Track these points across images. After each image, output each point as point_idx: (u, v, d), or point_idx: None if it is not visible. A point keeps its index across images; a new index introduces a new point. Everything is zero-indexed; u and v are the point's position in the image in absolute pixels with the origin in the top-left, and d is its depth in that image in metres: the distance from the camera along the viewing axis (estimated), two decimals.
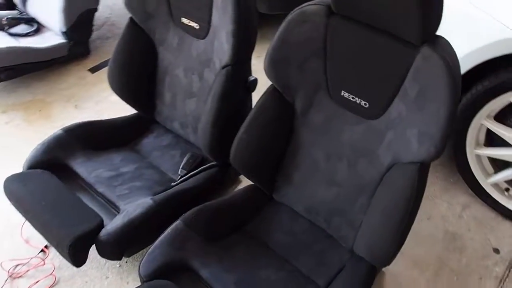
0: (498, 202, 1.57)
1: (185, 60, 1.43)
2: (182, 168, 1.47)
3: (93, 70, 2.30)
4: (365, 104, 1.08)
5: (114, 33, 2.63)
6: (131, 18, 1.47)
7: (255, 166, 1.28)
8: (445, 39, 0.95)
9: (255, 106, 1.21)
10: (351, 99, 1.10)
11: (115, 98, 1.60)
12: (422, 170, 1.00)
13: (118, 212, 1.28)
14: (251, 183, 1.35)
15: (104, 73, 2.34)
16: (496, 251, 1.45)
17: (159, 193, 1.35)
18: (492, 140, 1.53)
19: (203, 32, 1.34)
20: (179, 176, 1.44)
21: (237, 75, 1.29)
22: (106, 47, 2.49)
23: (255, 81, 1.37)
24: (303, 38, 1.09)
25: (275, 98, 1.20)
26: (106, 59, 2.38)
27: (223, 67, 1.28)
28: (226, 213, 1.28)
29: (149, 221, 1.23)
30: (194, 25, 1.36)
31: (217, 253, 1.18)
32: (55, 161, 1.41)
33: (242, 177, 1.70)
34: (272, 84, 1.20)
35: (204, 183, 1.42)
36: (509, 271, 1.39)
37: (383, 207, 1.04)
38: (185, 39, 1.41)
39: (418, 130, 0.98)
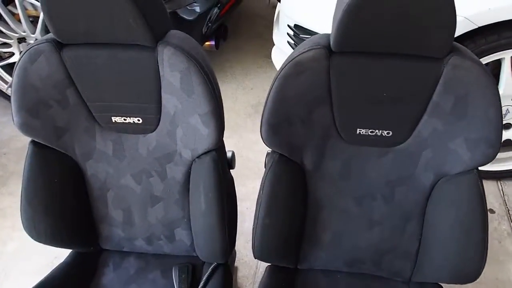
0: None
1: (133, 164, 1.13)
2: None
3: None
4: (387, 133, 0.99)
5: None
6: (34, 142, 1.08)
7: (284, 248, 1.09)
8: (457, 43, 0.91)
9: (266, 184, 1.01)
10: (370, 134, 1.00)
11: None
12: (479, 175, 0.96)
13: None
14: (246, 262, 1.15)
15: None
16: (491, 211, 1.55)
17: None
18: None
19: (152, 125, 1.07)
20: None
21: (222, 157, 1.06)
22: None
23: (233, 156, 1.16)
24: (303, 90, 0.94)
25: (284, 166, 1.02)
26: None
27: (201, 155, 1.03)
28: None
29: None
30: (134, 120, 1.07)
31: None
32: None
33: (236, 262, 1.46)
34: (273, 151, 1.02)
35: None
36: None
37: (458, 223, 0.97)
38: (124, 141, 1.11)
39: (465, 139, 0.94)
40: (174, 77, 0.96)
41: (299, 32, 1.76)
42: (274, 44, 2.17)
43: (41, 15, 2.05)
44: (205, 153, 1.03)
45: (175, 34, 0.99)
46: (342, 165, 1.05)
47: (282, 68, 0.93)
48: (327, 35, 0.94)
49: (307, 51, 0.91)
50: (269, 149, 1.14)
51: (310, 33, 1.71)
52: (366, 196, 1.07)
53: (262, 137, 1.00)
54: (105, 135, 1.10)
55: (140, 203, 1.16)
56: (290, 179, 1.03)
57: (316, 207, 1.09)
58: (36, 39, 2.09)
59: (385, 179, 1.05)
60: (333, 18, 0.91)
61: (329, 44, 0.91)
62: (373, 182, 1.06)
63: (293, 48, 1.90)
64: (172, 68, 0.95)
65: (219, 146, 1.04)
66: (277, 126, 0.98)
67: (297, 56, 0.91)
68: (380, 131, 1.00)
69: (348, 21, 0.83)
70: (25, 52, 0.99)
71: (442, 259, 1.03)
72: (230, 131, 1.95)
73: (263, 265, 1.55)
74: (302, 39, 1.77)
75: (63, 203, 1.13)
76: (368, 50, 0.89)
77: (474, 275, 1.00)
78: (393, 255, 1.11)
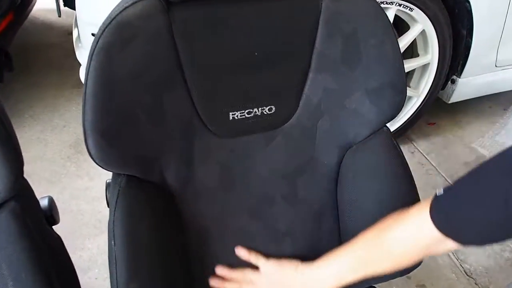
0: None
1: None
2: None
3: None
4: (269, 110, 0.75)
5: None
6: None
7: None
8: None
9: (116, 230, 0.65)
10: (247, 116, 0.74)
11: None
12: (390, 131, 0.79)
13: None
14: None
15: None
16: None
17: None
18: None
19: None
20: None
21: (31, 210, 0.66)
22: None
23: (53, 204, 0.75)
24: (141, 66, 0.63)
25: (138, 193, 0.68)
26: None
27: None
28: None
29: None
30: None
31: None
32: None
33: None
34: (116, 176, 0.67)
35: None
36: None
37: (385, 196, 0.77)
38: None
39: (366, 90, 0.75)
40: None
41: None
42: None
43: None
44: (4, 203, 0.62)
45: None
46: (220, 170, 0.76)
47: (97, 38, 0.60)
48: None
49: (131, 4, 0.60)
50: (109, 179, 0.78)
51: None
52: (263, 202, 0.80)
53: (91, 155, 0.64)
54: None
55: None
56: (152, 212, 0.68)
57: (199, 240, 0.77)
58: None
59: (281, 173, 0.80)
60: None
61: None
62: (266, 182, 0.79)
63: None
64: None
65: (21, 194, 0.64)
66: (113, 131, 0.63)
67: (117, 15, 0.59)
68: (260, 109, 0.74)
69: None
70: None
71: None
72: (47, 183, 1.47)
73: None
74: None
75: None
76: None
77: None
78: None
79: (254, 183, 0.79)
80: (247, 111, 0.74)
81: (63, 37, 2.62)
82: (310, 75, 0.74)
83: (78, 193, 1.41)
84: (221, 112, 0.72)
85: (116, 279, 0.64)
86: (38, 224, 0.67)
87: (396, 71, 0.74)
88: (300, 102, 0.76)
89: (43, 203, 0.72)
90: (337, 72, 0.74)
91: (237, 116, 0.74)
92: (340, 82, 0.75)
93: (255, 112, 0.74)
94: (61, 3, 1.88)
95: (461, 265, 1.23)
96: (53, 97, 1.98)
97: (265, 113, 0.75)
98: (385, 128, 0.78)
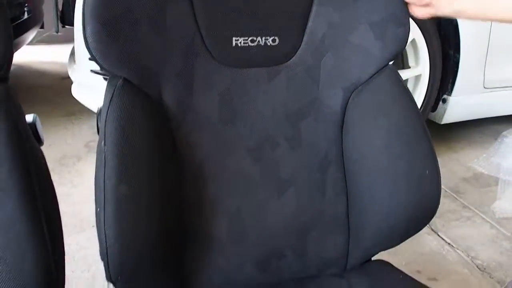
0: None
1: None
2: None
3: None
4: (273, 41, 0.74)
5: None
6: None
7: (160, 248, 0.66)
8: None
9: (109, 129, 0.61)
10: (250, 45, 0.73)
11: None
12: (394, 67, 0.78)
13: None
14: None
15: None
16: None
17: None
18: None
19: None
20: None
21: (15, 118, 0.61)
22: None
23: (37, 122, 0.70)
24: None
25: (134, 98, 0.65)
26: None
27: None
28: None
29: None
30: None
31: None
32: None
33: None
34: (112, 78, 0.64)
35: None
36: None
37: (393, 141, 0.74)
38: None
39: (369, 24, 0.76)
40: None
41: None
42: (70, 99, 1.79)
43: None
44: None
45: None
46: (220, 100, 0.73)
47: None
48: None
49: None
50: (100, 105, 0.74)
51: None
52: (264, 143, 0.76)
53: (88, 47, 0.61)
54: None
55: None
56: (147, 122, 0.64)
57: (194, 177, 0.72)
58: None
59: (284, 113, 0.77)
60: None
61: None
62: (268, 121, 0.76)
63: (100, 74, 1.56)
64: None
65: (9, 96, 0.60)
66: (113, 24, 0.61)
67: None
68: (263, 38, 0.74)
69: None
70: None
71: (387, 202, 0.76)
72: None
73: None
74: None
75: None
76: None
77: (432, 206, 0.76)
78: (319, 229, 0.79)
79: (256, 121, 0.76)
80: (250, 38, 0.73)
81: (55, 81, 2.69)
82: (314, 7, 0.75)
83: (60, 198, 1.32)
84: (224, 35, 0.71)
85: (104, 182, 0.58)
86: (24, 134, 0.62)
87: (398, 2, 0.75)
88: (304, 37, 0.76)
89: (29, 118, 0.68)
90: (340, 5, 0.75)
91: (240, 42, 0.73)
92: (343, 15, 0.76)
93: (259, 41, 0.74)
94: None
95: (472, 261, 1.15)
96: (41, 122, 1.96)
97: (269, 44, 0.74)
98: (389, 64, 0.78)
